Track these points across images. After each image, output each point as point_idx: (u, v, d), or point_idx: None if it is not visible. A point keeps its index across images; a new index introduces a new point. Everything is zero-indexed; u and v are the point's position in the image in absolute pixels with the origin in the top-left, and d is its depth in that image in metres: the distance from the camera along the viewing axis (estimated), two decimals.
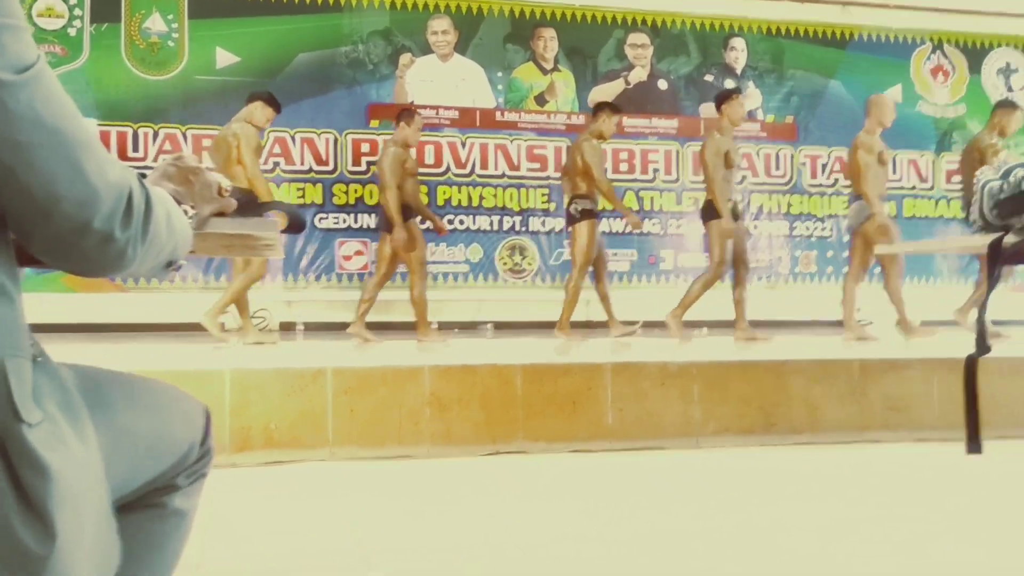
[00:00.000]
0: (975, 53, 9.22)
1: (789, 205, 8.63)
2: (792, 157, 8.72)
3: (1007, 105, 6.34)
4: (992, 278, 1.67)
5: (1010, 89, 9.22)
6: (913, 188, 8.91)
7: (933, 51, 9.14)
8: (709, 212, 6.07)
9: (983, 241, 1.65)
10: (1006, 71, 9.26)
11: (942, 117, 9.09)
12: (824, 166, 8.78)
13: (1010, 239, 1.62)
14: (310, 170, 7.78)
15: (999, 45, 9.25)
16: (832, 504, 2.89)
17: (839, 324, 6.21)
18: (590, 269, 6.39)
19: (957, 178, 6.58)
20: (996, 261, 1.63)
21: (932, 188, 8.95)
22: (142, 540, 1.08)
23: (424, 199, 7.90)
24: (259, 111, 6.06)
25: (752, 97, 8.77)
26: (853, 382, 3.95)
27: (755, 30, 8.81)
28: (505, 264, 8.13)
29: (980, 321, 1.63)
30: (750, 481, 3.31)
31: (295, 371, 3.54)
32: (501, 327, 8.03)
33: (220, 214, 1.28)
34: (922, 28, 9.11)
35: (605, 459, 3.66)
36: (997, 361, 4.18)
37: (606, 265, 6.65)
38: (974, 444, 1.71)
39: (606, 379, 3.77)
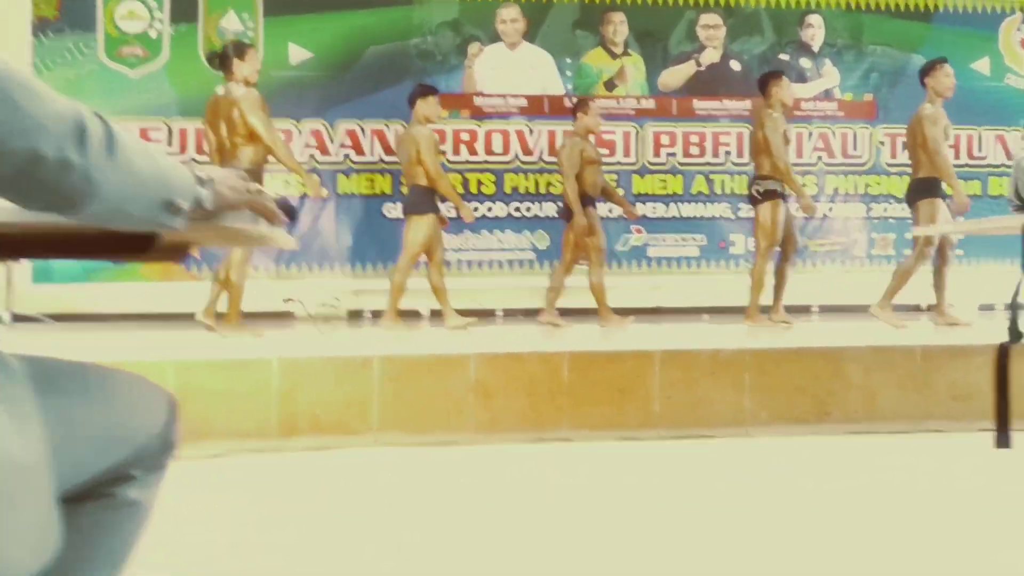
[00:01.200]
0: None
1: (867, 186, 8.35)
2: (871, 136, 8.42)
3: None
4: None
5: None
6: (1000, 166, 8.50)
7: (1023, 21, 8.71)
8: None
9: (1016, 222, 1.57)
10: None
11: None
12: (905, 145, 8.44)
13: None
14: (379, 160, 7.88)
15: None
16: (885, 494, 2.80)
17: (913, 308, 5.99)
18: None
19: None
20: None
21: None
22: (92, 529, 1.11)
23: (491, 187, 7.94)
24: (422, 107, 6.25)
25: (830, 75, 8.51)
26: (914, 369, 3.81)
27: (833, 5, 8.53)
28: None
29: (1013, 307, 1.55)
30: (801, 470, 3.23)
31: (342, 359, 3.61)
32: (565, 313, 7.99)
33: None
34: None
35: (652, 447, 3.62)
36: None
37: (795, 247, 6.45)
38: (1003, 437, 1.63)
39: (655, 366, 3.73)
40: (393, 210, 7.84)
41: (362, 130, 7.84)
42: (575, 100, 6.49)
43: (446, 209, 6.46)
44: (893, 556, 2.15)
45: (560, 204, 8.01)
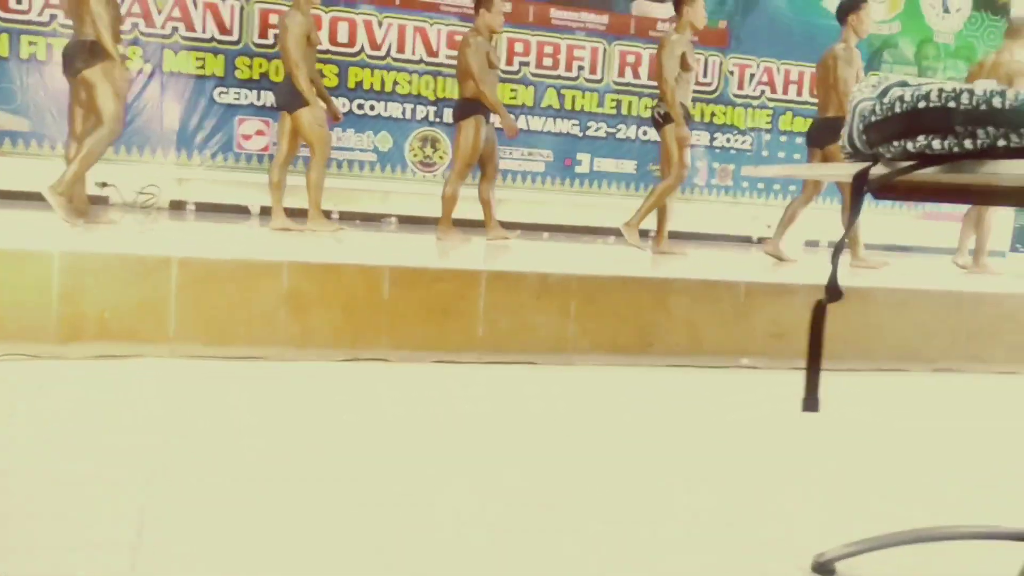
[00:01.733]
0: None
1: (712, 115, 8.40)
2: (721, 65, 8.44)
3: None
4: (854, 214, 1.45)
5: (946, 10, 9.02)
6: None
7: None
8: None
9: (849, 170, 1.43)
10: None
11: (876, 34, 8.85)
12: (752, 76, 8.53)
13: (878, 171, 1.39)
14: (212, 39, 7.26)
15: None
16: (692, 426, 2.76)
17: (750, 240, 6.06)
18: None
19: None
20: (861, 195, 1.41)
21: None
22: None
23: (335, 80, 7.47)
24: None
25: None
26: (737, 305, 3.81)
27: None
28: (415, 156, 7.78)
29: (834, 263, 1.42)
30: (619, 401, 3.17)
31: (136, 257, 3.25)
32: (407, 220, 7.74)
33: None
34: None
35: (472, 371, 3.47)
36: (885, 292, 4.08)
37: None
38: (811, 401, 1.53)
39: (480, 288, 3.55)
40: (224, 95, 7.27)
41: (194, 3, 7.17)
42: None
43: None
44: (694, 481, 2.09)
45: (405, 106, 7.67)
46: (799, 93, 8.64)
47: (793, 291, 3.88)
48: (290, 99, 5.55)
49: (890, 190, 1.44)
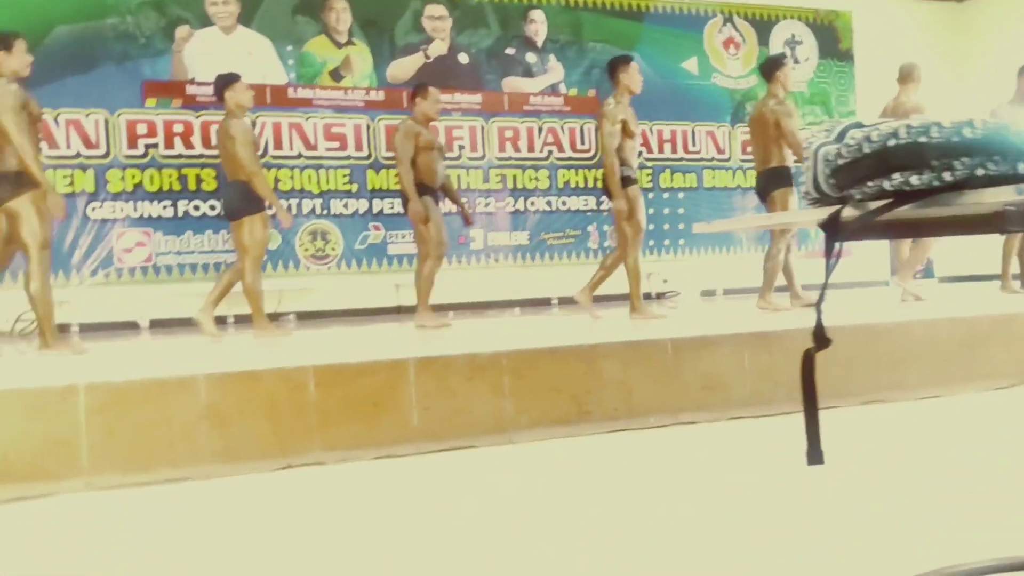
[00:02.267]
0: (763, 25, 9.48)
1: (596, 180, 8.57)
2: (596, 130, 8.65)
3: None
4: (830, 258, 1.44)
5: (796, 60, 9.55)
6: (712, 160, 9.08)
7: (724, 23, 9.32)
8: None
9: (819, 215, 1.42)
10: (792, 42, 9.58)
11: (735, 89, 9.29)
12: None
13: (850, 212, 1.39)
14: (78, 155, 6.99)
15: (785, 17, 9.55)
16: (646, 491, 2.70)
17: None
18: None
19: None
20: (834, 238, 1.40)
21: (729, 159, 9.15)
22: None
23: (212, 184, 7.27)
24: (231, 96, 5.56)
25: (555, 70, 8.65)
26: (666, 362, 3.81)
27: (554, 2, 8.67)
28: (307, 250, 7.64)
29: (818, 311, 1.40)
30: (563, 476, 3.10)
31: (37, 390, 3.01)
32: (304, 316, 7.56)
33: None
34: (713, 1, 9.26)
35: (412, 463, 3.34)
36: (802, 333, 4.16)
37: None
38: (815, 453, 1.49)
39: (410, 376, 3.44)
40: (98, 210, 6.98)
41: (55, 120, 6.90)
42: (414, 89, 5.98)
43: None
44: (659, 548, 2.03)
45: (290, 201, 7.53)
46: (673, 151, 8.93)
47: (718, 342, 3.92)
48: (244, 205, 5.37)
49: (865, 230, 1.45)
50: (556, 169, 8.51)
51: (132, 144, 7.12)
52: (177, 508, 2.87)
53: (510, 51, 8.52)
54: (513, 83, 8.47)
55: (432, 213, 5.71)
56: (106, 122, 7.06)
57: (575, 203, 8.57)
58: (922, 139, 1.27)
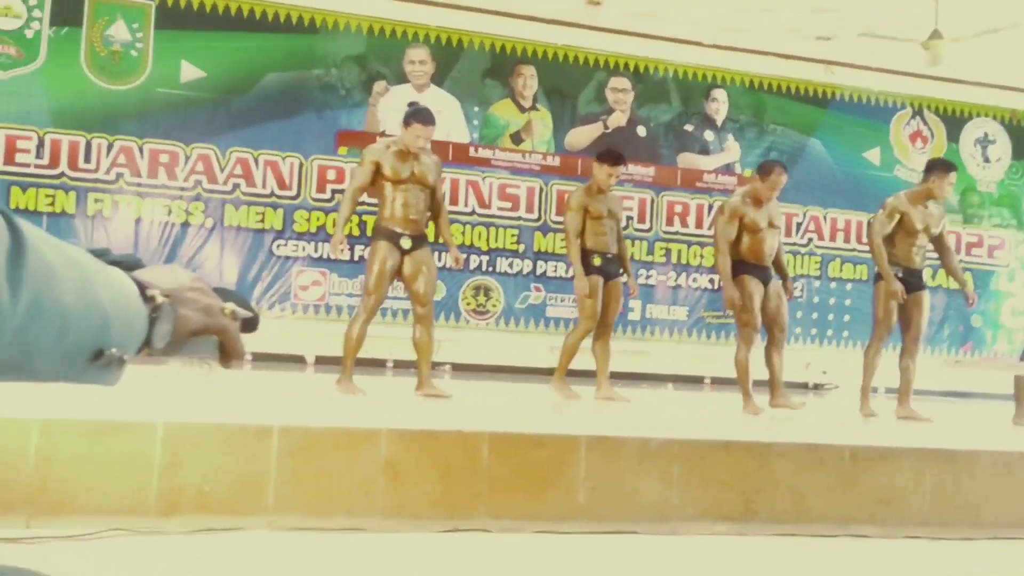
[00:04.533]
0: (954, 121, 9.16)
1: None
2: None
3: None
4: None
5: (987, 159, 9.17)
6: None
7: (913, 116, 9.07)
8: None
9: None
10: (984, 141, 9.21)
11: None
12: (799, 225, 8.61)
13: None
14: (272, 194, 7.43)
15: (978, 115, 9.20)
16: None
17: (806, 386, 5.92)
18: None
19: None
20: None
21: None
22: None
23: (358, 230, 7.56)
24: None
25: (731, 150, 8.61)
26: (843, 470, 3.68)
27: (737, 82, 8.66)
28: (468, 304, 7.81)
29: None
30: (725, 572, 3.02)
31: (236, 427, 3.18)
32: (460, 368, 7.70)
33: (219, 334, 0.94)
34: (903, 93, 9.04)
35: (574, 541, 3.33)
36: (990, 455, 3.95)
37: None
38: None
39: (580, 454, 3.45)
40: (283, 247, 7.38)
41: (255, 160, 7.38)
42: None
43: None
44: None
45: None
46: (846, 240, 8.69)
47: (900, 455, 3.76)
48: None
49: None
50: None
51: (321, 188, 7.51)
52: (348, 556, 2.96)
53: (688, 127, 8.55)
54: (688, 159, 8.48)
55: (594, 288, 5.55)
56: (300, 165, 7.47)
57: None
58: None
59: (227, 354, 0.95)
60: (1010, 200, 9.16)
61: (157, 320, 0.78)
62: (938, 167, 5.62)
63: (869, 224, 5.91)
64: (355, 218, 6.43)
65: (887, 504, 3.69)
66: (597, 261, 5.59)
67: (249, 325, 1.22)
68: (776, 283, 5.52)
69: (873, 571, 3.27)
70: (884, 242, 5.56)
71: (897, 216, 5.55)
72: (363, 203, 5.43)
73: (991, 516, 3.79)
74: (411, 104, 5.43)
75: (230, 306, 0.94)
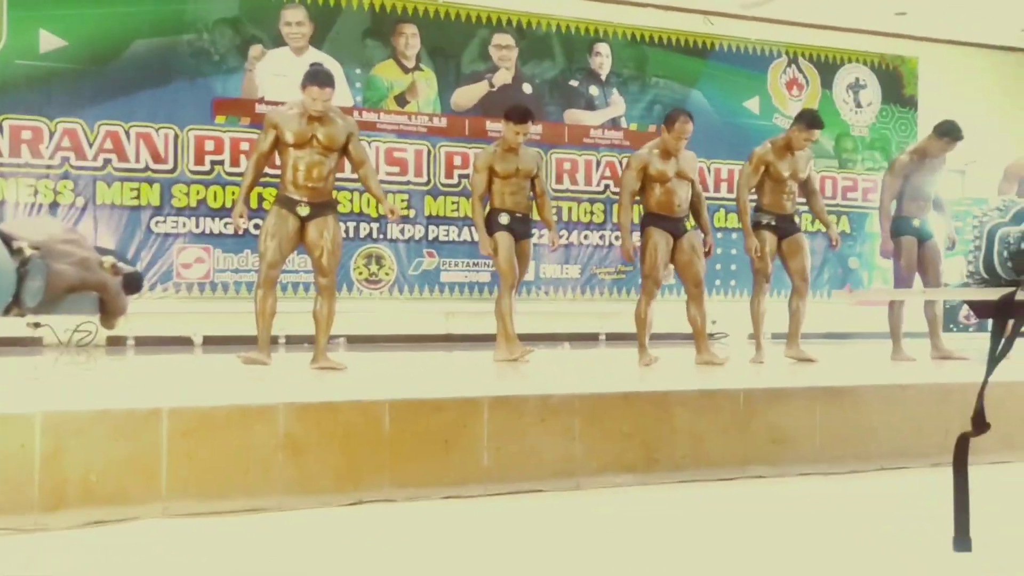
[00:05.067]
0: (827, 68, 9.41)
1: None
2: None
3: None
4: (1004, 340, 1.41)
5: (859, 104, 9.48)
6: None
7: (789, 64, 9.28)
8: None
9: (991, 295, 1.40)
10: (855, 86, 9.51)
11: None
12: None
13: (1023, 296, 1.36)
14: (146, 168, 7.10)
15: (849, 60, 9.49)
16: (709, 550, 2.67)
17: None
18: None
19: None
20: (1006, 319, 1.37)
21: None
22: None
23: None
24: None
25: (616, 104, 8.65)
26: (737, 414, 3.77)
27: (620, 36, 8.69)
28: (361, 274, 7.68)
29: (980, 396, 1.37)
30: (631, 528, 3.06)
31: (123, 412, 3.03)
32: (354, 340, 7.57)
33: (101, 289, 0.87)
34: (778, 41, 9.23)
35: (480, 505, 3.32)
36: (873, 389, 4.11)
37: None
38: (963, 540, 1.46)
39: (483, 415, 3.43)
40: (161, 224, 7.08)
41: (126, 133, 7.03)
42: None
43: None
44: None
45: (348, 224, 7.58)
46: (730, 190, 8.88)
47: (790, 395, 3.88)
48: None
49: None
50: (611, 203, 8.49)
51: (199, 160, 7.22)
52: (248, 540, 2.88)
53: (574, 83, 8.55)
54: (575, 115, 8.49)
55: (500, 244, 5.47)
56: (175, 137, 7.16)
57: None
58: None
59: (109, 312, 0.89)
60: (881, 143, 9.51)
61: (27, 276, 0.71)
62: (801, 119, 5.76)
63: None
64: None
65: (780, 444, 3.81)
66: (504, 219, 5.48)
67: (132, 282, 1.12)
68: (692, 235, 5.51)
69: (768, 510, 3.37)
70: (757, 190, 5.74)
71: (763, 166, 5.72)
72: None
73: (876, 448, 3.96)
74: (312, 65, 5.24)
75: (109, 259, 0.88)
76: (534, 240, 5.99)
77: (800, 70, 9.32)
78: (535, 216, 5.78)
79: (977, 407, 1.39)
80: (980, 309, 1.44)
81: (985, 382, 1.40)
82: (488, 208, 5.56)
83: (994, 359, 1.51)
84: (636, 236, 5.61)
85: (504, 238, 5.47)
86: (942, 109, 8.06)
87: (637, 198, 5.54)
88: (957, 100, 9.39)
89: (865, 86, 9.54)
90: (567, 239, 8.31)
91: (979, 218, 1.41)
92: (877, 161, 9.37)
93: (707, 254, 5.56)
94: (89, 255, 0.77)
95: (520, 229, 5.55)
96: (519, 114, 5.53)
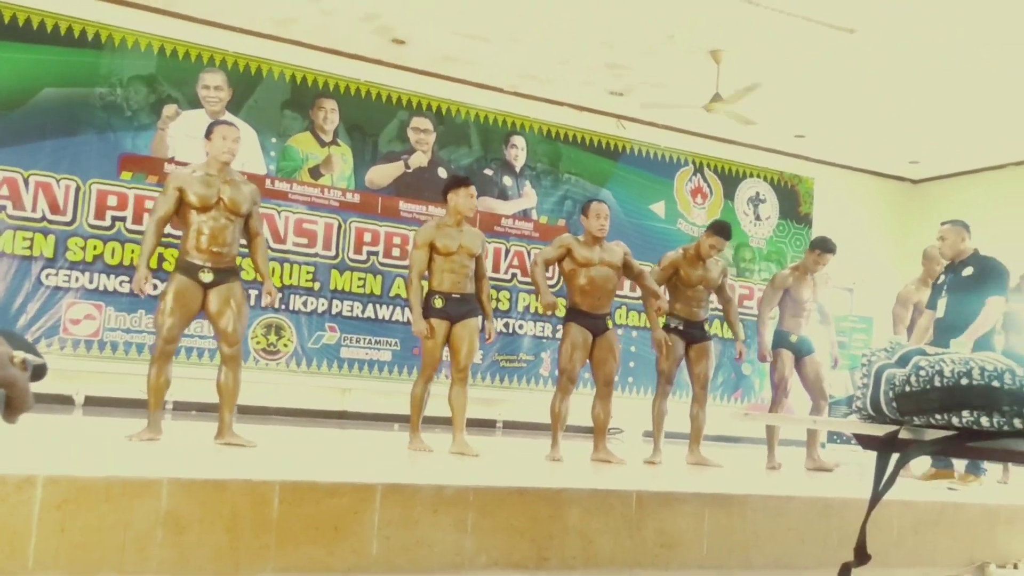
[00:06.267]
0: (730, 180, 9.84)
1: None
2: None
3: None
4: (885, 478, 1.46)
5: (758, 217, 9.90)
6: None
7: (695, 173, 9.66)
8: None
9: (877, 430, 1.45)
10: (755, 200, 9.95)
11: (698, 237, 9.54)
12: None
13: (906, 435, 1.43)
14: (43, 218, 6.86)
15: (752, 175, 9.94)
16: None
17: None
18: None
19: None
20: (890, 454, 1.43)
21: None
22: None
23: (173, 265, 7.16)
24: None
25: (529, 196, 8.83)
26: (629, 515, 3.78)
27: (536, 131, 8.91)
28: (259, 343, 7.51)
29: (863, 529, 1.42)
30: None
31: None
32: (246, 411, 7.35)
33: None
34: (686, 150, 9.62)
35: None
36: (760, 499, 4.19)
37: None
38: None
39: (375, 502, 3.35)
40: (53, 276, 6.81)
41: (24, 180, 6.79)
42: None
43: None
44: None
45: (250, 292, 7.43)
46: (633, 289, 9.08)
47: (682, 500, 3.92)
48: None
49: (918, 450, 1.48)
50: (517, 292, 8.58)
51: (100, 215, 7.03)
52: None
53: (488, 171, 8.70)
54: (488, 203, 8.61)
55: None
56: (77, 189, 6.96)
57: (532, 328, 8.62)
58: (995, 383, 1.31)
59: (14, 407, 0.86)
60: (778, 256, 9.94)
61: None
62: (710, 229, 5.97)
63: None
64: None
65: (669, 548, 3.83)
66: (438, 303, 5.14)
67: (38, 373, 1.08)
68: (610, 333, 5.45)
69: None
70: (669, 294, 5.87)
71: (671, 270, 5.87)
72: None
73: (760, 557, 4.02)
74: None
75: (20, 355, 0.85)
76: None
77: (705, 179, 9.71)
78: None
79: (860, 539, 1.43)
80: (865, 440, 1.50)
81: (868, 515, 1.45)
82: (426, 289, 5.26)
83: (877, 493, 1.57)
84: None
85: (438, 325, 5.15)
86: (834, 228, 8.50)
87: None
88: (849, 221, 9.93)
89: (764, 200, 9.99)
90: None
91: (868, 357, 1.49)
92: (771, 271, 9.75)
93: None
94: (1, 350, 0.73)
95: (458, 311, 5.18)
96: (465, 178, 5.53)
